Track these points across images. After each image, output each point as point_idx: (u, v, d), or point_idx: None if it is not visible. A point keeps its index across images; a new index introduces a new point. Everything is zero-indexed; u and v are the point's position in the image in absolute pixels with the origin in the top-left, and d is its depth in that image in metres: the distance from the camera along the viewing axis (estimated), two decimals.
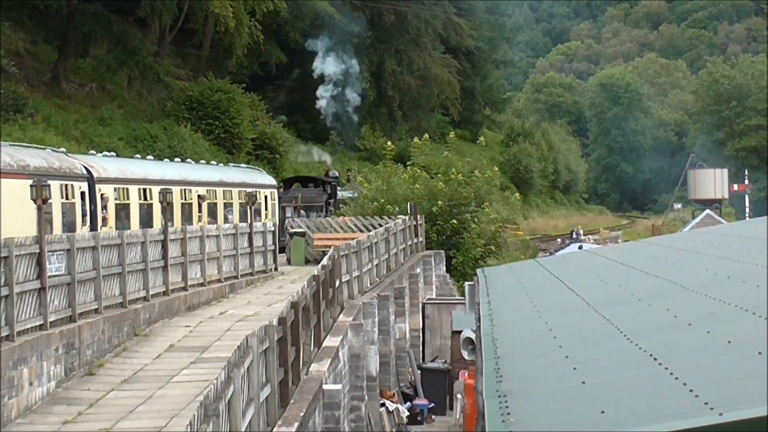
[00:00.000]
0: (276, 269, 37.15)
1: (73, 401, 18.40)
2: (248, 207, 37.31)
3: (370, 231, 37.26)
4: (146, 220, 35.33)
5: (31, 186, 21.06)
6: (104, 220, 33.03)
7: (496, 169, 55.84)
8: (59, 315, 19.97)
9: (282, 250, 42.68)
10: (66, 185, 30.65)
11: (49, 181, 28.51)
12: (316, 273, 22.00)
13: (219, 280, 31.15)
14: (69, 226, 30.05)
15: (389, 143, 57.56)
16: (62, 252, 20.29)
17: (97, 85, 58.76)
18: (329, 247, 29.21)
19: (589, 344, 11.78)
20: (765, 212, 77.46)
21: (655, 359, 9.64)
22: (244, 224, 35.69)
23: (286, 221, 46.17)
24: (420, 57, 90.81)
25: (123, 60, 58.35)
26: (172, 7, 59.94)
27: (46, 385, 18.54)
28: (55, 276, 19.82)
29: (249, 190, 44.23)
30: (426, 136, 56.19)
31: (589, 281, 19.26)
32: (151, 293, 25.37)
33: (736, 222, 60.66)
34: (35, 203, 20.82)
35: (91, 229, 30.94)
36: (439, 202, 47.76)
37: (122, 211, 34.60)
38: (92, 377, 20.18)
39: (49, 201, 28.81)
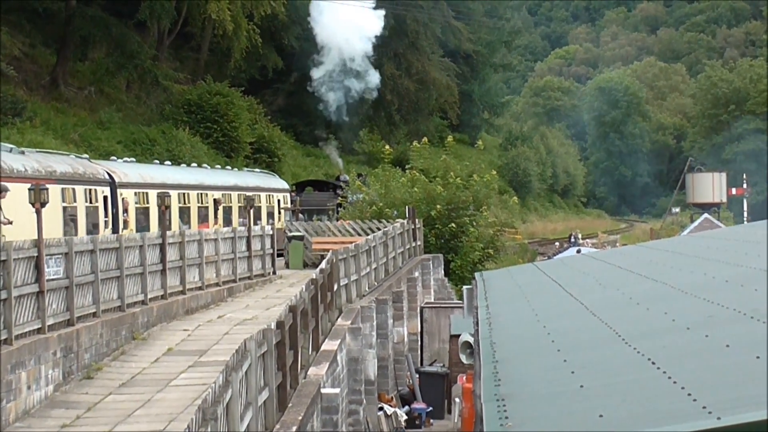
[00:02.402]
0: (274, 273, 37.16)
1: (72, 405, 18.40)
2: (247, 210, 37.42)
3: (368, 235, 37.27)
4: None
5: (29, 189, 21.08)
6: (125, 222, 34.82)
7: (495, 172, 55.83)
8: (57, 319, 19.97)
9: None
10: (90, 190, 32.48)
11: (75, 186, 31.37)
12: (314, 277, 22.00)
13: (217, 284, 31.16)
14: (92, 229, 31.78)
15: (387, 147, 57.59)
16: (60, 256, 20.31)
17: (96, 89, 58.76)
18: (327, 250, 29.22)
19: (588, 348, 11.78)
20: (763, 216, 77.44)
21: (653, 363, 9.64)
22: (262, 226, 36.65)
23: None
24: (418, 61, 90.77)
25: (122, 63, 58.40)
26: (171, 11, 60.00)
27: (44, 388, 18.53)
28: (53, 280, 19.83)
29: (263, 194, 45.94)
30: (424, 139, 56.20)
31: (587, 285, 19.25)
32: (149, 297, 25.39)
33: (735, 226, 60.66)
34: (33, 207, 20.82)
35: (113, 232, 32.57)
36: (438, 206, 47.75)
37: (142, 214, 36.47)
38: (90, 381, 20.18)
39: (74, 205, 31.18)
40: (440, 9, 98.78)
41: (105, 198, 33.55)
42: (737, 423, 6.90)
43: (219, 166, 49.41)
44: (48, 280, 19.45)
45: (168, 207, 29.80)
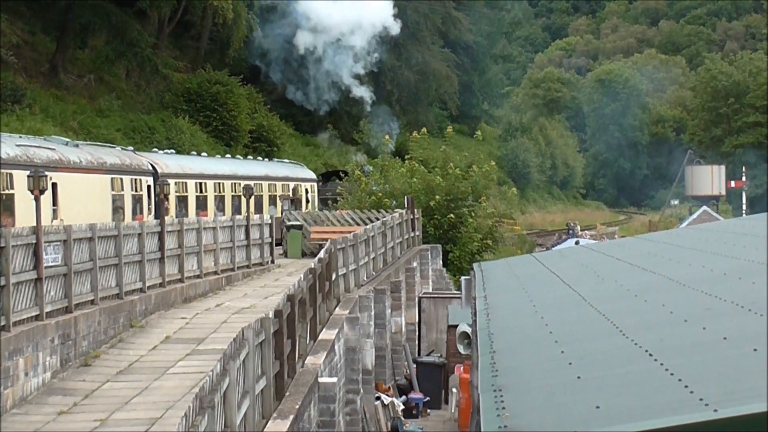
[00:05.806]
0: (273, 262, 37.18)
1: (69, 392, 18.41)
2: (246, 199, 37.44)
3: (367, 224, 37.26)
4: (202, 209, 40.40)
5: (28, 176, 21.06)
6: (166, 210, 36.80)
7: (494, 163, 55.76)
8: (55, 306, 19.98)
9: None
10: (135, 179, 35.38)
11: (122, 176, 34.33)
12: (312, 266, 22.00)
13: (216, 273, 31.16)
14: (137, 215, 34.75)
15: (387, 137, 57.56)
16: (59, 243, 20.30)
17: (96, 77, 58.71)
18: (326, 240, 29.20)
19: (585, 339, 11.78)
20: (762, 209, 77.45)
21: (650, 355, 9.65)
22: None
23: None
24: (419, 51, 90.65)
25: (121, 52, 58.33)
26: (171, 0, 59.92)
27: (41, 375, 18.54)
28: (51, 267, 19.83)
29: (291, 184, 48.58)
30: (424, 130, 56.16)
31: (585, 277, 19.26)
32: (147, 285, 25.39)
33: (733, 219, 60.67)
34: (32, 194, 20.81)
35: (156, 218, 34.53)
36: (437, 197, 47.75)
37: (181, 202, 39.65)
38: (88, 368, 20.19)
39: (122, 193, 34.06)
40: None
41: (149, 187, 36.24)
42: (734, 415, 6.91)
43: (251, 158, 52.72)
44: (46, 267, 19.44)
45: (167, 195, 30.17)
